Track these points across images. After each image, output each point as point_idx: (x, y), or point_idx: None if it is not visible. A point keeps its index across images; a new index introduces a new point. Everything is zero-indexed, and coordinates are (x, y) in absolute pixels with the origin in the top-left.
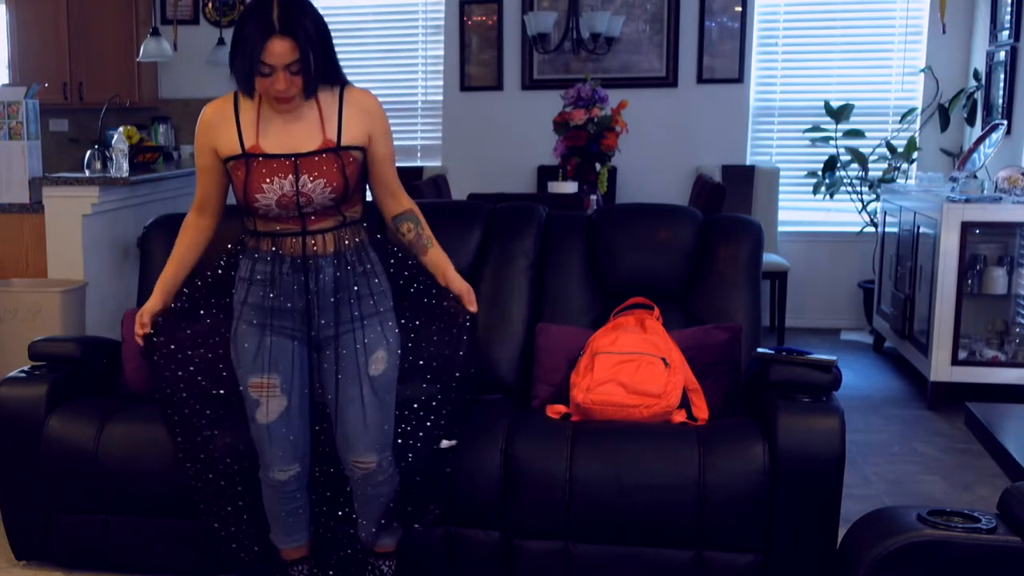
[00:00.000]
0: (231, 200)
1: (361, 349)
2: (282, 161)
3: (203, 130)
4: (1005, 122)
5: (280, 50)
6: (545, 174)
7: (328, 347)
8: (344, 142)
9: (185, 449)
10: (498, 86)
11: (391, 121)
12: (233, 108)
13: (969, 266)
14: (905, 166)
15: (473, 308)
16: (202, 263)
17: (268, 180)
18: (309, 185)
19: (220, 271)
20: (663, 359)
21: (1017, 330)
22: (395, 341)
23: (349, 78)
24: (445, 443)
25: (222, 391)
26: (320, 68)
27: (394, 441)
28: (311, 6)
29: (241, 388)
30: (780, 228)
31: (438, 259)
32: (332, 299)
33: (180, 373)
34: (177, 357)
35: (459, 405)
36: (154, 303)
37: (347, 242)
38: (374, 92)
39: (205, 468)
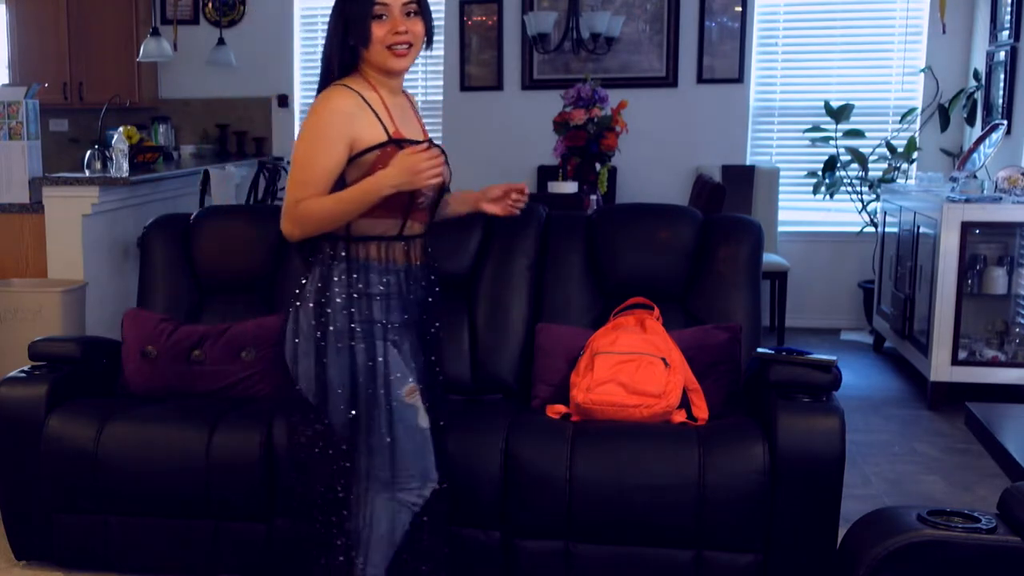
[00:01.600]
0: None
1: (440, 363)
2: (421, 146)
3: (343, 119)
4: (1005, 122)
5: None
6: (545, 174)
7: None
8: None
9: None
10: (498, 86)
11: None
12: (359, 96)
13: (969, 266)
14: (905, 166)
15: (522, 196)
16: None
17: None
18: (446, 171)
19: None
20: (663, 359)
21: (1017, 330)
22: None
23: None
24: None
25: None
26: (430, 19)
27: None
28: None
29: (390, 404)
30: (780, 228)
31: (463, 196)
32: (434, 310)
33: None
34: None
35: None
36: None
37: (430, 248)
38: None
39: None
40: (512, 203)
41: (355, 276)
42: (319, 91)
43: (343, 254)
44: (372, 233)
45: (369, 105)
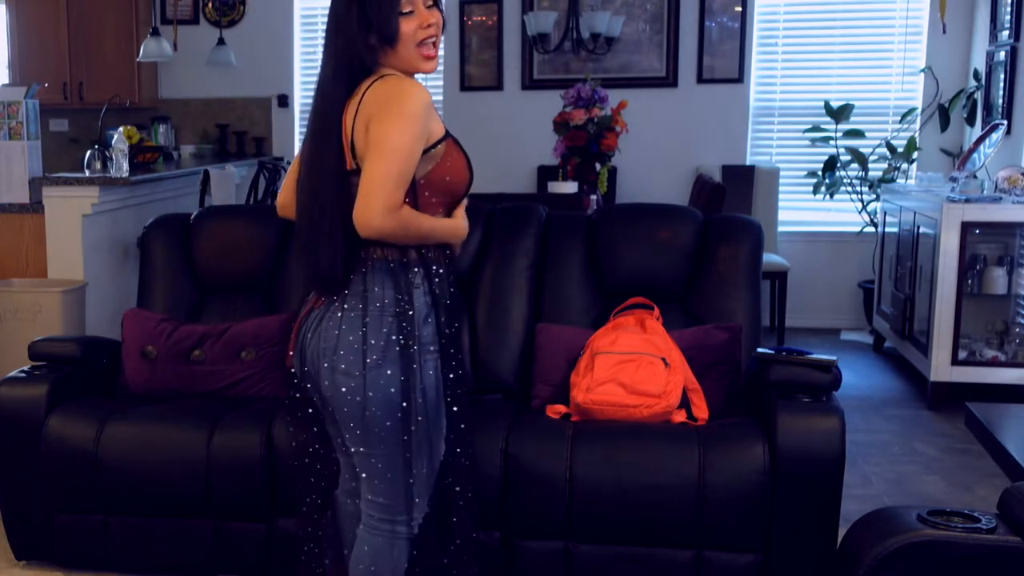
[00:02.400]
0: None
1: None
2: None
3: (428, 110)
4: (1005, 122)
5: None
6: (545, 174)
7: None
8: None
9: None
10: (498, 86)
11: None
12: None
13: (969, 266)
14: (905, 166)
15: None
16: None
17: (468, 162)
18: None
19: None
20: (663, 359)
21: (1017, 330)
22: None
23: None
24: None
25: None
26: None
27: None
28: None
29: (420, 427)
30: (780, 228)
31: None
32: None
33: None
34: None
35: None
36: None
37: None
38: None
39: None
40: None
41: (436, 280)
42: (347, 88)
43: (418, 256)
44: None
45: None
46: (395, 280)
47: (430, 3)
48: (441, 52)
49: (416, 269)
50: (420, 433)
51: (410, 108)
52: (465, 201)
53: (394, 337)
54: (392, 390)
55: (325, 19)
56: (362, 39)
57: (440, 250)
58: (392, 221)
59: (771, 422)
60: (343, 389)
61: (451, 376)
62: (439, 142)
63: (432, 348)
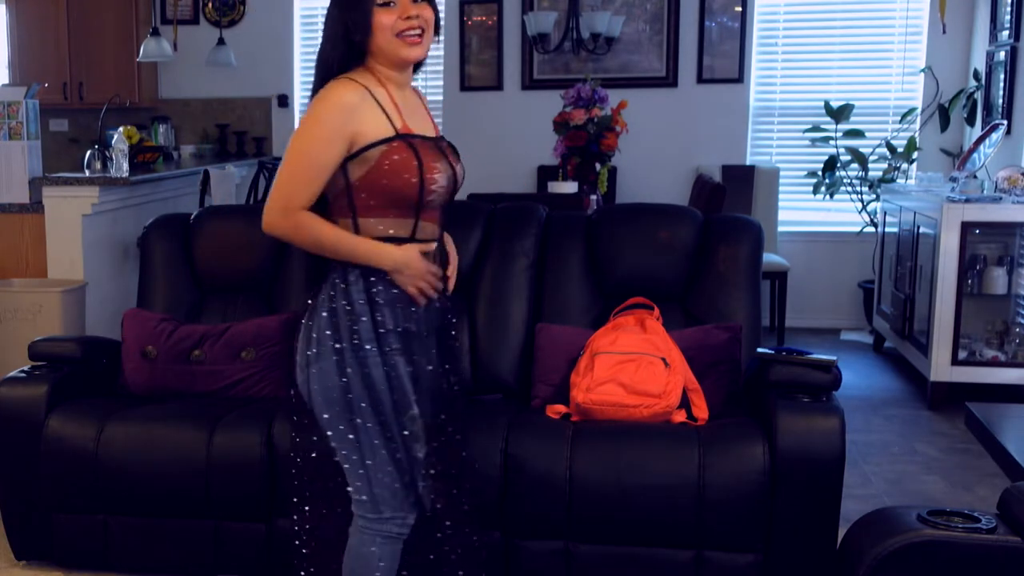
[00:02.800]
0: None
1: (458, 376)
2: (433, 143)
3: (346, 113)
4: (1005, 122)
5: None
6: (545, 174)
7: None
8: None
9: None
10: (498, 86)
11: None
12: (366, 89)
13: (969, 266)
14: (905, 166)
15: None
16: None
17: (436, 162)
18: (459, 169)
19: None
20: (663, 359)
21: (1017, 330)
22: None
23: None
24: None
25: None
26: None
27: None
28: None
29: (383, 427)
30: (780, 228)
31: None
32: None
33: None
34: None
35: None
36: (413, 248)
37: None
38: None
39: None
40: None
41: (372, 279)
42: (314, 91)
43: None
44: (384, 234)
45: (375, 99)
46: (333, 279)
47: (388, 2)
48: (441, 52)
49: (354, 268)
50: (372, 432)
51: (319, 111)
52: (445, 243)
53: (328, 332)
54: (328, 385)
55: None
56: (341, 38)
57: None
58: (284, 223)
59: (771, 422)
60: (298, 383)
61: (416, 379)
62: (374, 145)
63: (369, 347)
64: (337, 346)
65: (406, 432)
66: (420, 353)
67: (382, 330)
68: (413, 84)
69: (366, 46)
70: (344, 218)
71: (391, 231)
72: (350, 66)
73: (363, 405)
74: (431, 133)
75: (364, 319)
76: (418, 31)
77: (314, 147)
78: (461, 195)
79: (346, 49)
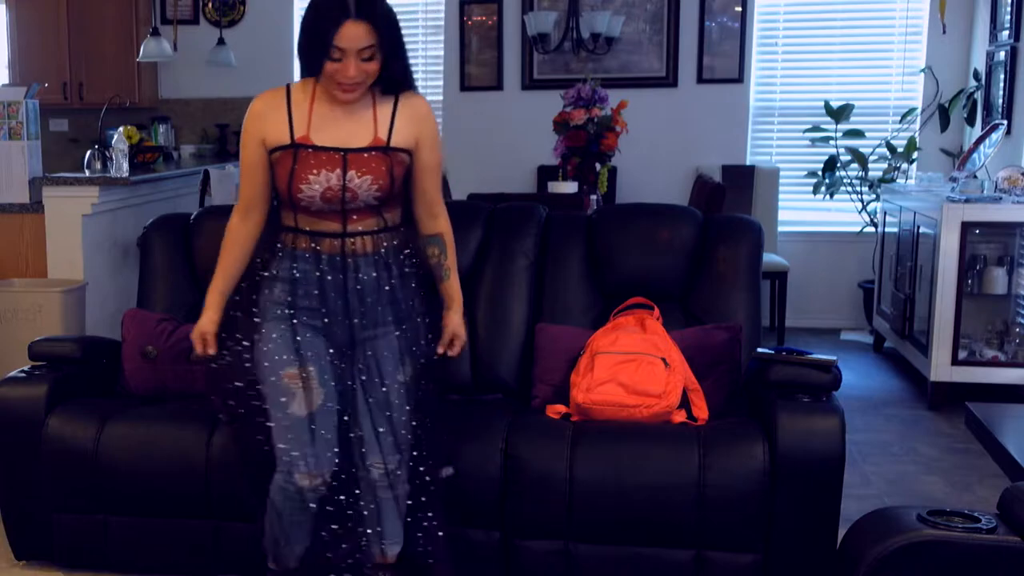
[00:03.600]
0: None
1: (394, 353)
2: (331, 154)
3: (253, 120)
4: (1005, 122)
5: (354, 34)
6: (545, 174)
7: (363, 348)
8: (394, 143)
9: (249, 455)
10: (498, 86)
11: None
12: (285, 99)
13: (969, 266)
14: (905, 166)
15: (450, 352)
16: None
17: (315, 171)
18: (356, 180)
19: (262, 272)
20: (663, 359)
21: (1017, 330)
22: (425, 349)
23: None
24: (445, 471)
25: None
26: (393, 59)
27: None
28: None
29: (263, 386)
30: (780, 228)
31: (450, 292)
32: (370, 300)
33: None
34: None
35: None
36: (211, 319)
37: (386, 244)
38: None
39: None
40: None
41: (280, 256)
42: None
43: (275, 238)
44: (283, 223)
45: (289, 107)
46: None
47: (368, 56)
48: (441, 52)
49: (276, 252)
50: (264, 392)
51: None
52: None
53: (237, 298)
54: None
55: None
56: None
57: (292, 236)
58: (232, 219)
59: (771, 422)
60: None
61: (278, 348)
62: (275, 150)
63: (270, 315)
64: (239, 314)
65: (287, 390)
66: (315, 320)
67: (259, 301)
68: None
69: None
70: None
71: (284, 221)
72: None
73: (264, 361)
74: (345, 144)
75: (265, 291)
76: (354, 85)
77: (242, 150)
78: (461, 195)
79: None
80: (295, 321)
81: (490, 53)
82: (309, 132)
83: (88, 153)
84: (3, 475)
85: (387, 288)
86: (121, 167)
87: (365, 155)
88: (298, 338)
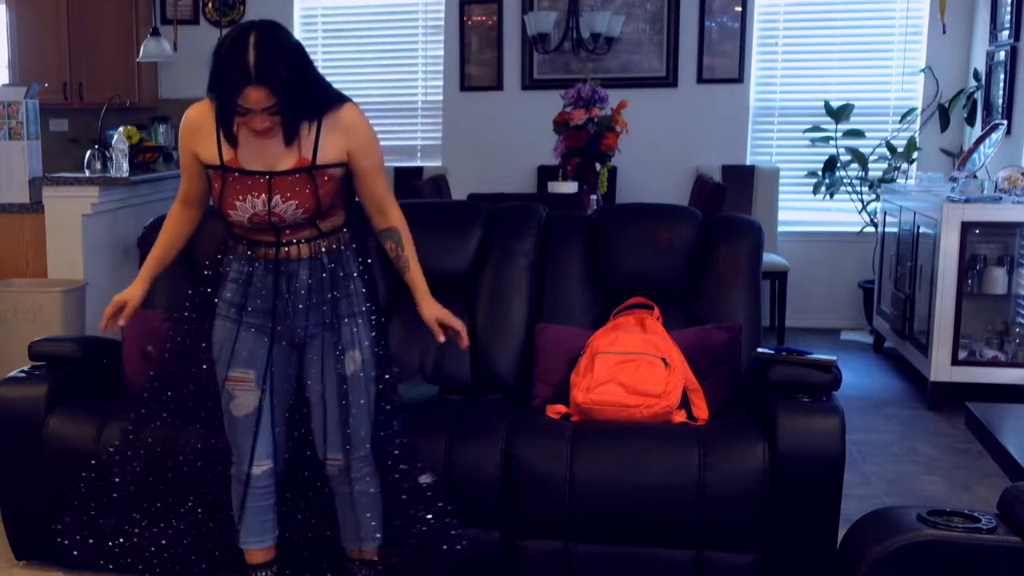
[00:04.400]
0: None
1: (332, 349)
2: (256, 179)
3: (186, 133)
4: (1005, 122)
5: (257, 97)
6: (545, 174)
7: (308, 347)
8: (320, 160)
9: (129, 444)
10: (498, 86)
11: (392, 122)
12: (215, 116)
13: (969, 266)
14: (905, 166)
15: (440, 338)
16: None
17: (241, 198)
18: (281, 206)
19: (212, 270)
20: (663, 359)
21: (1017, 330)
22: (370, 343)
23: (349, 78)
24: (424, 478)
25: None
26: (299, 105)
27: (377, 443)
28: (287, 44)
29: (219, 383)
30: (780, 228)
31: (414, 283)
32: (306, 301)
33: (170, 370)
34: (167, 356)
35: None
36: (135, 291)
37: (323, 248)
38: (374, 92)
39: (177, 465)
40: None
41: (229, 258)
42: None
43: (229, 242)
44: (229, 230)
45: (219, 127)
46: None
47: (273, 111)
48: (441, 52)
49: (228, 252)
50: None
51: None
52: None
53: (200, 288)
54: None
55: (325, 19)
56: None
57: (248, 244)
58: (173, 209)
59: (771, 422)
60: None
61: (221, 348)
62: (208, 167)
63: (219, 313)
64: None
65: (228, 392)
66: (258, 320)
67: (217, 299)
68: (407, 86)
69: None
70: None
71: (230, 227)
72: None
73: (214, 356)
74: (268, 167)
75: (220, 290)
76: (264, 131)
77: (180, 150)
78: (461, 195)
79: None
80: (240, 322)
81: (490, 53)
82: (237, 154)
83: (88, 153)
84: (3, 475)
85: (325, 288)
86: (121, 167)
87: (289, 178)
88: (238, 340)
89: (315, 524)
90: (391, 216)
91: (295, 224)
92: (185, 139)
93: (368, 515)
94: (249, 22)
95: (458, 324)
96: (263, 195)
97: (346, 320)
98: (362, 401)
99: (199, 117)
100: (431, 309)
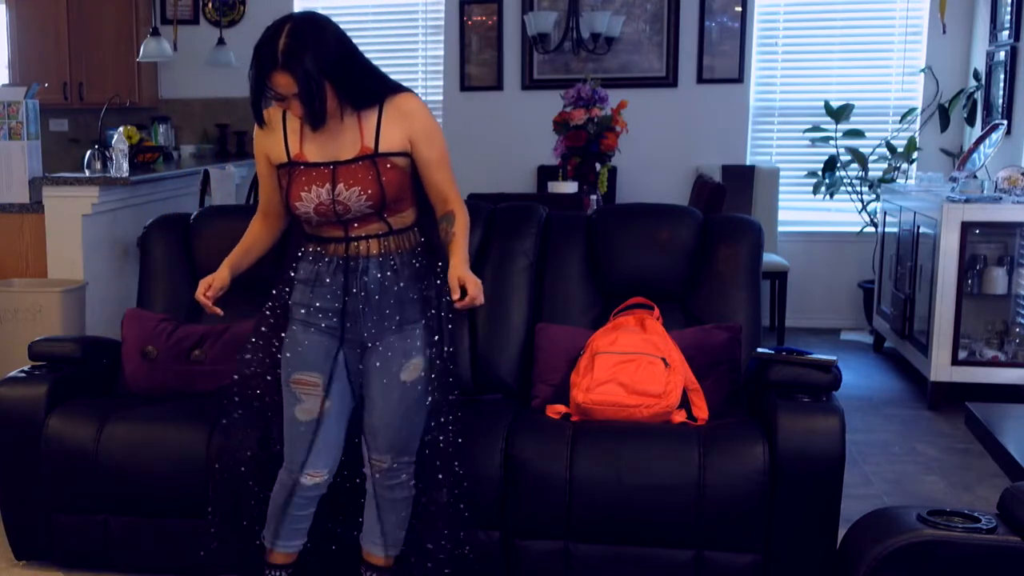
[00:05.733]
0: None
1: (399, 353)
2: (321, 169)
3: (258, 138)
4: (1005, 122)
5: (283, 82)
6: (545, 174)
7: (373, 348)
8: (382, 149)
9: (224, 447)
10: (498, 86)
11: None
12: (282, 118)
13: (969, 266)
14: (905, 166)
15: (455, 295)
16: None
17: (306, 188)
18: (344, 193)
19: (290, 274)
20: (663, 359)
21: (1017, 330)
22: (435, 351)
23: None
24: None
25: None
26: (321, 97)
27: (423, 455)
28: (321, 36)
29: (284, 385)
30: (780, 228)
31: (455, 246)
32: (376, 301)
33: (248, 370)
34: (247, 357)
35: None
36: (222, 276)
37: (394, 247)
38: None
39: (235, 464)
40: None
41: (296, 262)
42: None
43: (297, 243)
44: (303, 232)
45: (285, 126)
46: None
47: (281, 98)
48: (441, 52)
49: (294, 251)
50: (283, 387)
51: None
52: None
53: (274, 293)
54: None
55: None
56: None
57: (318, 242)
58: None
59: (771, 422)
60: None
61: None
62: (280, 166)
63: (292, 316)
64: (268, 314)
65: (293, 395)
66: (327, 322)
67: (285, 305)
68: (405, 85)
69: None
70: None
71: (304, 230)
72: None
73: (282, 358)
74: (344, 156)
75: (274, 292)
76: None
77: (255, 160)
78: (461, 195)
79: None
80: (309, 324)
81: (490, 53)
82: (302, 149)
83: (88, 153)
84: (3, 475)
85: (395, 289)
86: (121, 167)
87: (352, 166)
88: (306, 342)
89: (339, 532)
90: (450, 203)
91: (362, 216)
92: (258, 144)
93: (395, 521)
94: (293, 12)
95: (479, 298)
96: (327, 184)
97: (412, 325)
98: (410, 410)
99: (268, 121)
100: (458, 268)
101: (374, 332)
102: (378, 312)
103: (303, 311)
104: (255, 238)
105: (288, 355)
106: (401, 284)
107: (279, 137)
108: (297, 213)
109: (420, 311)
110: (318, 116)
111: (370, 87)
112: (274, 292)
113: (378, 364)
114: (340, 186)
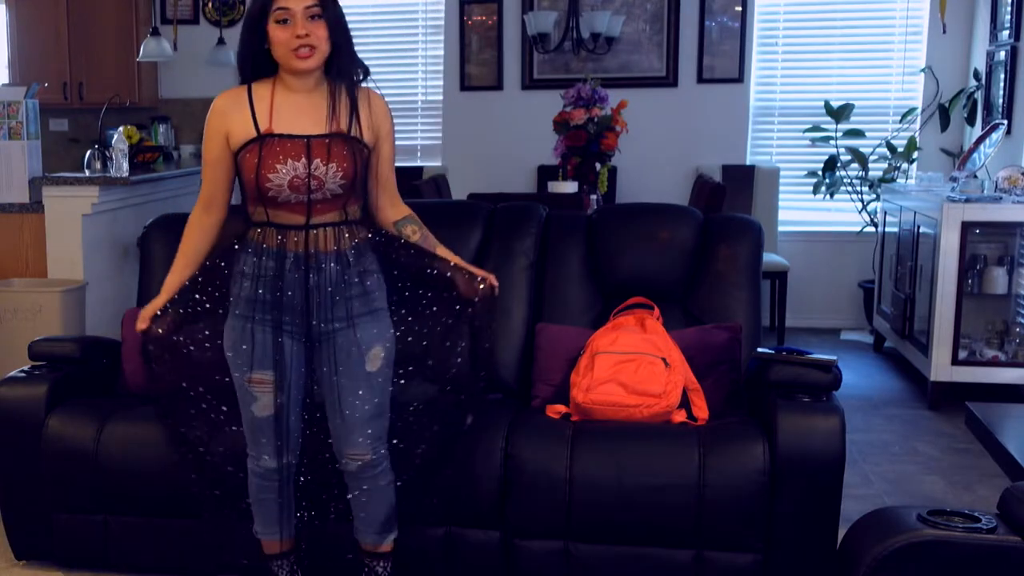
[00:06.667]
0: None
1: (357, 346)
2: (296, 142)
3: (216, 116)
4: (1005, 122)
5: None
6: (545, 174)
7: (326, 343)
8: (354, 134)
9: (185, 445)
10: (498, 86)
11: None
12: (247, 95)
13: (969, 266)
14: (905, 166)
15: (492, 278)
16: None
17: (282, 160)
18: (321, 168)
19: (220, 265)
20: (663, 359)
21: (1017, 330)
22: (392, 339)
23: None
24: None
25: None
26: (341, 39)
27: (390, 441)
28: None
29: (235, 380)
30: (780, 228)
31: (447, 254)
32: (330, 296)
33: (182, 371)
34: (180, 354)
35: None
36: (158, 304)
37: (347, 240)
38: (374, 92)
39: (201, 462)
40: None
41: (249, 251)
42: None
43: (245, 235)
44: (253, 218)
45: (252, 103)
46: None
47: (314, 14)
48: (441, 52)
49: (242, 243)
50: (236, 382)
51: (207, 115)
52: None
53: (209, 289)
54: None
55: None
56: (251, 47)
57: (260, 231)
58: (193, 214)
59: (771, 422)
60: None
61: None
62: (243, 146)
63: (237, 312)
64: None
65: (249, 393)
66: (279, 315)
67: (237, 297)
68: (405, 86)
69: (274, 57)
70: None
71: (254, 216)
72: (264, 74)
73: (229, 355)
74: (309, 131)
75: (234, 287)
76: (307, 48)
77: (205, 145)
78: (461, 195)
79: (252, 63)
80: (260, 320)
81: (490, 53)
82: (272, 124)
83: (88, 153)
84: (3, 475)
85: (351, 282)
86: (121, 167)
87: (327, 141)
88: (257, 339)
89: (334, 520)
90: (401, 206)
91: (330, 198)
92: (215, 124)
93: (384, 510)
94: None
95: (492, 277)
96: (303, 158)
97: (369, 315)
98: (379, 398)
99: (229, 98)
100: (463, 261)
101: (329, 328)
102: (332, 307)
103: (251, 306)
104: (197, 249)
105: (241, 353)
106: (355, 277)
107: (246, 113)
108: (267, 187)
109: (373, 302)
110: (337, 36)
111: (355, 65)
112: (211, 288)
113: (340, 360)
114: (317, 161)
